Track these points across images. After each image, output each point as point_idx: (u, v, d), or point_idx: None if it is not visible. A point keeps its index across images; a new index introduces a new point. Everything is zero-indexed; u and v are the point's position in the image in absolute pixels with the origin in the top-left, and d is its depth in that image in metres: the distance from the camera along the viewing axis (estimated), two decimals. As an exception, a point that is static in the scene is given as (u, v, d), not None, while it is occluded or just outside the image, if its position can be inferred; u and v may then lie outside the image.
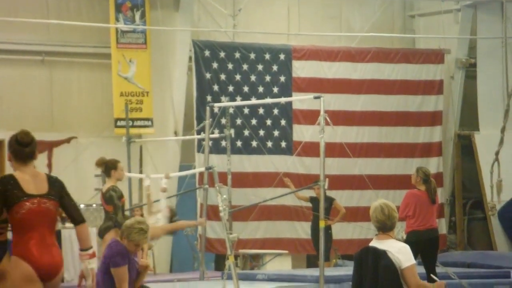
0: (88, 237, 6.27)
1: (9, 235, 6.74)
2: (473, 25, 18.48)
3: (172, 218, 12.15)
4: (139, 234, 7.44)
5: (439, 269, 11.87)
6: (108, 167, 10.90)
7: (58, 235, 14.11)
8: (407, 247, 6.74)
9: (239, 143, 16.84)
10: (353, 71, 17.74)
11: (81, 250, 6.24)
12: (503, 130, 17.72)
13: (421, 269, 10.62)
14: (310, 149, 16.49)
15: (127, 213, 14.74)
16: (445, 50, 18.39)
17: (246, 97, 16.77)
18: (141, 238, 7.46)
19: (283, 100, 16.63)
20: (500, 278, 13.54)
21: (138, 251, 7.65)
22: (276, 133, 17.12)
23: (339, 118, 17.01)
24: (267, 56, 17.19)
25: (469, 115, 18.77)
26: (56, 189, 6.25)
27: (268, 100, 16.47)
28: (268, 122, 17.09)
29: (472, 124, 18.70)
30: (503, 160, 17.74)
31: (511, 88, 18.07)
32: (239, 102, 16.53)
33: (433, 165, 17.75)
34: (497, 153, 17.71)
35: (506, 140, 17.71)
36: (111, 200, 10.73)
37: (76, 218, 6.26)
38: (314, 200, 14.77)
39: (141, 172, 16.60)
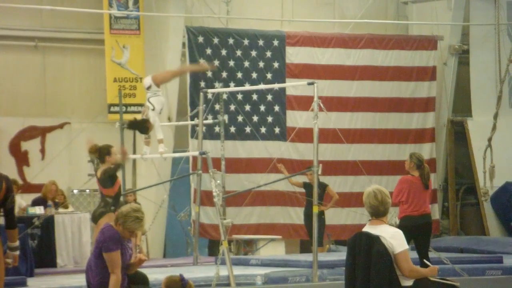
0: None
1: (1, 220, 6.82)
2: (466, 12, 18.50)
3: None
4: (135, 222, 7.43)
5: (432, 254, 11.91)
6: (101, 153, 10.82)
7: (51, 219, 14.14)
8: (400, 232, 6.75)
9: (232, 129, 16.86)
10: (346, 58, 17.75)
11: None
12: (495, 116, 17.76)
13: (414, 254, 10.66)
14: (304, 135, 16.52)
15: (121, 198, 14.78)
16: (438, 37, 18.41)
17: (239, 83, 16.78)
18: (137, 227, 7.46)
19: (276, 86, 16.64)
20: (492, 263, 13.60)
21: (132, 237, 7.65)
22: (269, 119, 17.14)
23: (333, 104, 17.05)
24: (261, 42, 17.19)
25: (462, 101, 18.82)
26: None
27: (262, 86, 16.48)
28: (262, 108, 17.11)
29: (465, 110, 18.76)
30: (496, 146, 17.79)
31: (504, 74, 18.10)
32: (232, 88, 16.53)
33: (426, 151, 17.81)
34: (489, 139, 17.76)
35: (498, 126, 17.75)
36: (107, 177, 10.56)
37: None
38: (307, 186, 14.79)
39: (134, 160, 16.60)
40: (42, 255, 14.04)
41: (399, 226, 10.80)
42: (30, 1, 16.04)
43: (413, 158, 11.37)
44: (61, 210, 14.70)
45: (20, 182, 15.74)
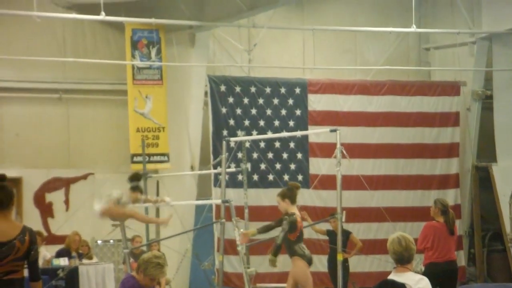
0: None
1: (25, 272, 6.81)
2: (488, 57, 18.47)
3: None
4: (156, 268, 7.42)
5: (459, 301, 11.76)
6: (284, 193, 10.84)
7: (75, 271, 14.11)
8: (425, 280, 6.67)
9: (255, 177, 16.83)
10: (368, 104, 17.75)
11: None
12: (520, 161, 17.65)
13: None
14: (327, 182, 16.47)
15: (144, 248, 14.75)
16: (461, 82, 18.38)
17: (262, 131, 16.79)
18: (158, 273, 7.44)
19: (299, 133, 16.63)
20: (521, 310, 13.41)
21: (154, 285, 7.62)
22: (292, 166, 17.12)
23: (355, 150, 17.01)
24: (283, 90, 17.23)
25: (487, 147, 18.70)
26: None
27: (284, 134, 16.48)
28: (285, 155, 17.09)
29: (489, 155, 18.62)
30: (521, 192, 17.64)
31: (528, 119, 18.02)
32: (255, 136, 16.54)
33: (450, 197, 17.68)
34: (515, 185, 17.62)
35: (524, 171, 17.63)
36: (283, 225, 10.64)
37: None
38: (331, 233, 14.71)
39: (157, 208, 16.60)
40: (67, 306, 14.01)
41: (425, 273, 10.68)
42: (54, 54, 16.20)
43: (438, 204, 11.30)
44: (85, 261, 14.68)
45: (45, 233, 15.76)
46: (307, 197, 16.70)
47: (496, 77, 18.51)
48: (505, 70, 18.26)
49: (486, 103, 18.68)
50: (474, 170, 18.52)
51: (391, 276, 6.71)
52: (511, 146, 18.09)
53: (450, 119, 18.23)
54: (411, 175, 17.91)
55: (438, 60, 19.10)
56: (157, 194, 16.71)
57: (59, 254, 14.62)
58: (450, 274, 11.19)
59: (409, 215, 17.59)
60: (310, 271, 16.93)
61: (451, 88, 18.31)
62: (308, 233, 16.04)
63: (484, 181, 18.54)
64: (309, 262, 10.77)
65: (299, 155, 17.17)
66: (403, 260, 6.66)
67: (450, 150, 18.19)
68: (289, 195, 10.75)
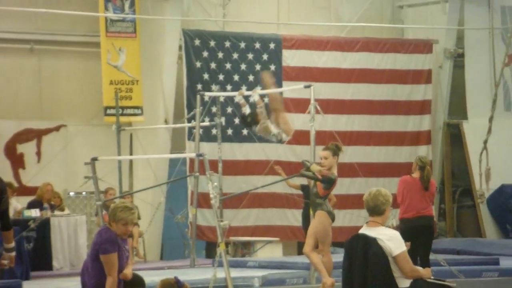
0: None
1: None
2: (460, 16, 18.55)
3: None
4: (124, 211, 7.33)
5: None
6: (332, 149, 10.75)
7: (47, 222, 14.11)
8: (397, 234, 6.78)
9: (229, 131, 16.85)
10: (342, 61, 17.78)
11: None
12: (491, 119, 17.80)
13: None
14: (301, 137, 16.52)
15: (117, 200, 14.77)
16: (433, 41, 18.46)
17: (236, 85, 16.77)
18: (127, 215, 7.32)
19: (273, 91, 16.57)
20: (489, 265, 13.60)
21: (127, 233, 7.53)
22: (267, 121, 17.13)
23: (329, 106, 17.06)
24: (257, 45, 17.21)
25: (458, 104, 18.85)
26: None
27: (260, 92, 16.41)
28: (259, 110, 17.09)
29: (460, 113, 18.79)
30: (491, 149, 17.83)
31: (498, 77, 18.15)
32: (229, 93, 16.51)
33: (422, 153, 17.75)
34: (485, 142, 17.80)
35: (494, 129, 17.79)
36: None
37: None
38: (305, 188, 14.78)
39: (131, 161, 16.60)
40: (38, 258, 14.00)
41: (398, 228, 10.80)
42: (25, 4, 16.03)
43: (417, 160, 11.35)
44: (57, 212, 14.67)
45: (16, 185, 15.70)
46: (281, 152, 16.76)
47: (467, 35, 18.60)
48: (476, 28, 18.36)
49: (458, 61, 18.80)
50: (446, 127, 18.68)
51: (363, 230, 6.82)
52: (482, 104, 18.24)
53: (422, 77, 18.33)
54: (383, 132, 18.03)
55: (411, 18, 19.14)
56: (130, 147, 16.71)
57: (31, 205, 14.58)
58: (423, 229, 11.15)
59: (382, 171, 17.73)
60: (283, 224, 17.16)
61: (424, 46, 18.38)
62: (282, 188, 16.18)
63: (455, 138, 18.71)
64: (333, 219, 10.79)
65: (274, 110, 17.18)
66: (370, 210, 6.78)
67: (422, 107, 18.31)
68: (338, 154, 10.73)
